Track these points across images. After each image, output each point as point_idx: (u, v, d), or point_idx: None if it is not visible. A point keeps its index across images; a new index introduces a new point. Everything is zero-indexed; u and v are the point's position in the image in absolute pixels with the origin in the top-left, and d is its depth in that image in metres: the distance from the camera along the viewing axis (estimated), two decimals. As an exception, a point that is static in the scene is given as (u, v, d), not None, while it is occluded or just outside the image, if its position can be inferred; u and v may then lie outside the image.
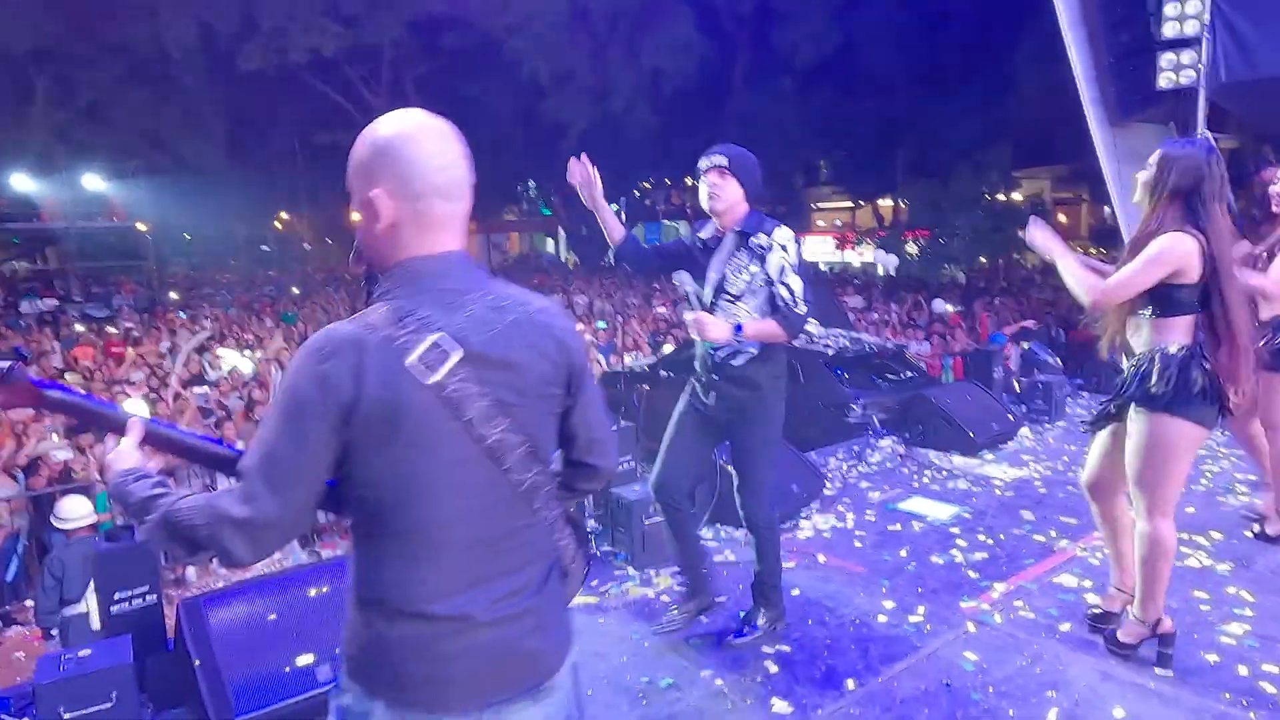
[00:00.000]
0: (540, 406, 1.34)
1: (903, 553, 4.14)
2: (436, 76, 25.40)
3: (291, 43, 21.12)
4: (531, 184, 35.56)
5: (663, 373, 8.71)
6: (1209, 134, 8.91)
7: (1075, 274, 2.79)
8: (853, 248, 26.38)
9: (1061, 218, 25.66)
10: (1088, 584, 3.64)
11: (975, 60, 19.95)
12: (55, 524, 6.04)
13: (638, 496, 4.12)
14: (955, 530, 4.41)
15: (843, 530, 4.52)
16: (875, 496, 5.04)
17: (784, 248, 2.93)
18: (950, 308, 10.85)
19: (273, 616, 3.11)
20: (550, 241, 40.32)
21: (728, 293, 2.98)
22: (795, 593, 3.68)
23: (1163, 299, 2.67)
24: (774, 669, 3.05)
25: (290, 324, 16.85)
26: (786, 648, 3.20)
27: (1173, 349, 2.67)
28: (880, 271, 21.10)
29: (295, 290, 23.18)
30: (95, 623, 4.69)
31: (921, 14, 20.37)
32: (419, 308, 1.24)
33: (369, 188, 1.28)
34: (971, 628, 3.32)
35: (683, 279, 3.14)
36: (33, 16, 18.87)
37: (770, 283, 2.93)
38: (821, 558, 4.12)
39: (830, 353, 7.79)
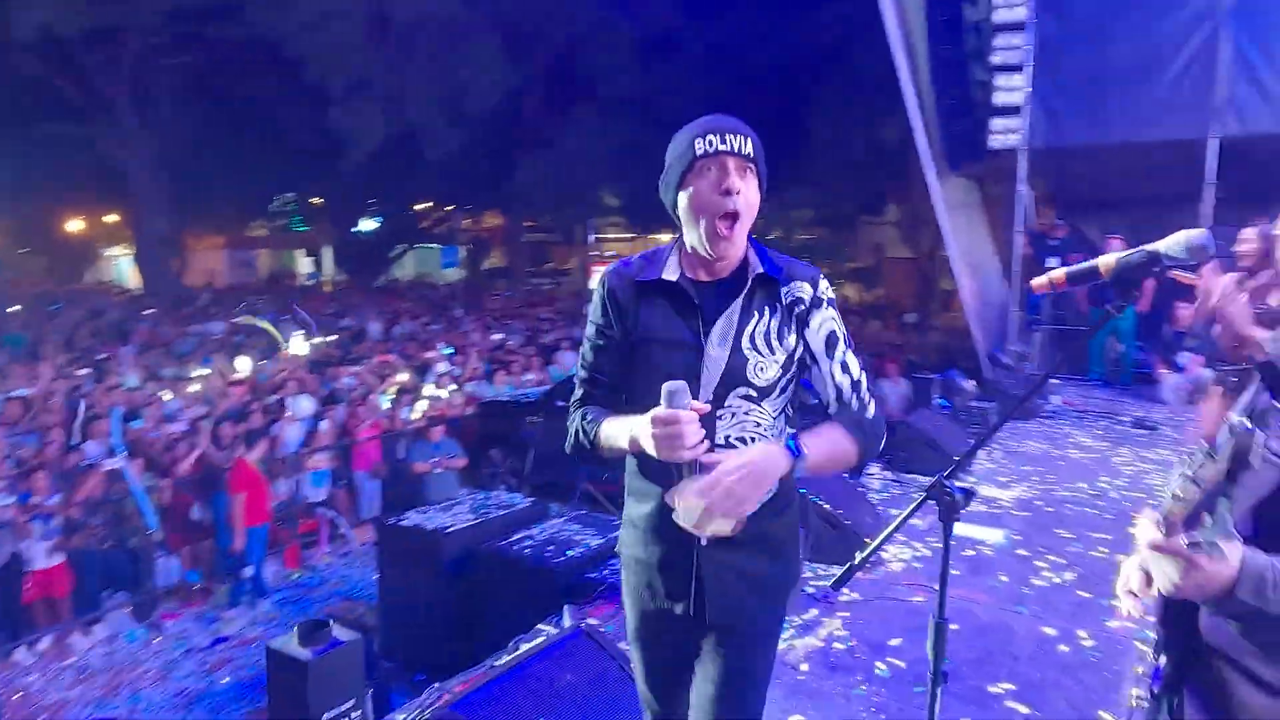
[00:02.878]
0: None
1: (1003, 577, 4.39)
2: (193, 71, 22.45)
3: (16, 15, 17.54)
4: (290, 196, 32.38)
5: (559, 402, 8.40)
6: (1027, 188, 10.63)
7: None
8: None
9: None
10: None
11: (782, 103, 21.27)
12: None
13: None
14: (1024, 553, 4.76)
15: (925, 558, 4.68)
16: (919, 524, 5.27)
17: (831, 302, 1.84)
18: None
19: (538, 725, 2.57)
20: (309, 260, 37.04)
21: (752, 385, 1.75)
22: (954, 628, 3.75)
23: None
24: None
25: (18, 347, 13.94)
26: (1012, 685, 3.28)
27: None
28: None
29: (12, 308, 19.08)
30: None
31: (723, 57, 21.50)
32: None
33: None
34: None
35: (675, 387, 1.60)
36: None
37: (811, 361, 1.81)
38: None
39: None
